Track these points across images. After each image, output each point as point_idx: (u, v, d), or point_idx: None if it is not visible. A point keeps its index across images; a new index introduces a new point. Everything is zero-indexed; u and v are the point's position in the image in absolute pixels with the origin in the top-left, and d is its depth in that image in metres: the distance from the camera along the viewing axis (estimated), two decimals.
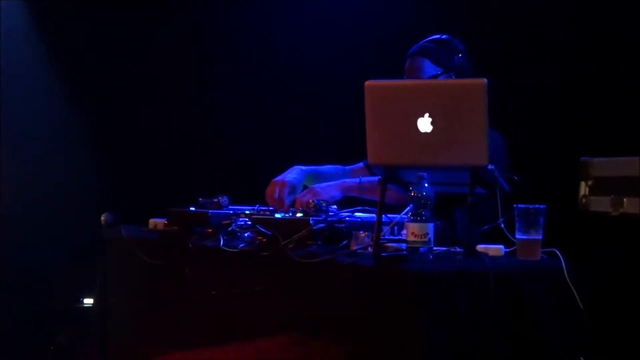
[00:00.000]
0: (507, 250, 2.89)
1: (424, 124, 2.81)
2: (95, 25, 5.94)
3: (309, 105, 5.44)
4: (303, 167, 3.64)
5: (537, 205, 2.80)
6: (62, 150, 5.97)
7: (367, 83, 2.89)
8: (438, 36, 3.54)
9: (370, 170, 3.23)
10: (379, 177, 2.91)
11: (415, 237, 2.69)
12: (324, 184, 3.49)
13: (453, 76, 3.47)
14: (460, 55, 3.47)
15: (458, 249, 2.84)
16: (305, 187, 3.56)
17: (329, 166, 3.75)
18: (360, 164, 3.72)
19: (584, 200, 2.74)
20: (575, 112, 4.39)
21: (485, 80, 2.73)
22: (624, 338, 3.90)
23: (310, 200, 3.18)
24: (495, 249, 2.87)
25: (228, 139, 5.68)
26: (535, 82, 4.51)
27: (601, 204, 2.71)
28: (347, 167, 3.74)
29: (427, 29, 3.61)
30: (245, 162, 5.49)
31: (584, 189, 2.74)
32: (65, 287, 5.65)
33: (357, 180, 3.09)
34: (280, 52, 5.54)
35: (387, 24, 5.08)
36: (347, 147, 3.65)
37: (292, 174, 3.59)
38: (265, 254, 2.99)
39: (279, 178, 3.57)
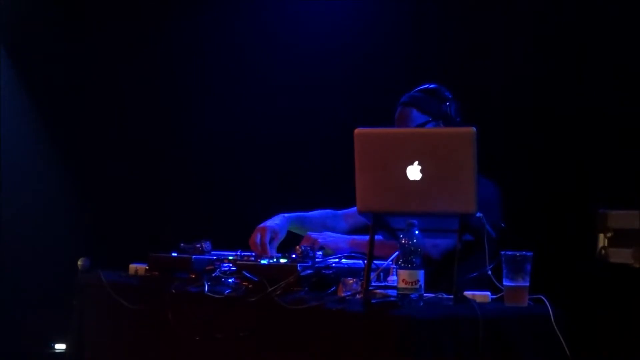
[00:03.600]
0: (494, 297, 2.92)
1: (413, 172, 2.84)
2: (78, 71, 5.92)
3: (296, 151, 5.43)
4: (286, 214, 3.65)
5: (524, 252, 2.84)
6: (38, 194, 5.90)
7: (356, 131, 2.93)
8: (426, 86, 3.59)
9: None
10: (387, 238, 2.95)
11: (406, 284, 2.71)
12: (335, 235, 3.50)
13: (441, 124, 3.51)
14: (447, 103, 3.52)
15: (445, 296, 2.87)
16: (290, 233, 3.58)
17: (318, 211, 3.75)
18: (354, 209, 3.73)
19: (603, 251, 2.78)
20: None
21: (474, 128, 2.78)
22: None
23: (297, 247, 3.19)
24: (482, 296, 2.90)
25: (209, 184, 5.65)
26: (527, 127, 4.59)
27: (622, 255, 2.76)
28: (338, 212, 3.75)
29: (419, 74, 3.67)
30: (226, 208, 5.47)
31: (602, 240, 2.78)
32: (36, 331, 5.58)
33: (366, 238, 3.11)
34: (268, 96, 5.53)
35: (378, 67, 5.14)
36: (335, 194, 3.67)
37: (275, 220, 3.60)
38: (252, 299, 2.99)
39: (261, 225, 3.58)
